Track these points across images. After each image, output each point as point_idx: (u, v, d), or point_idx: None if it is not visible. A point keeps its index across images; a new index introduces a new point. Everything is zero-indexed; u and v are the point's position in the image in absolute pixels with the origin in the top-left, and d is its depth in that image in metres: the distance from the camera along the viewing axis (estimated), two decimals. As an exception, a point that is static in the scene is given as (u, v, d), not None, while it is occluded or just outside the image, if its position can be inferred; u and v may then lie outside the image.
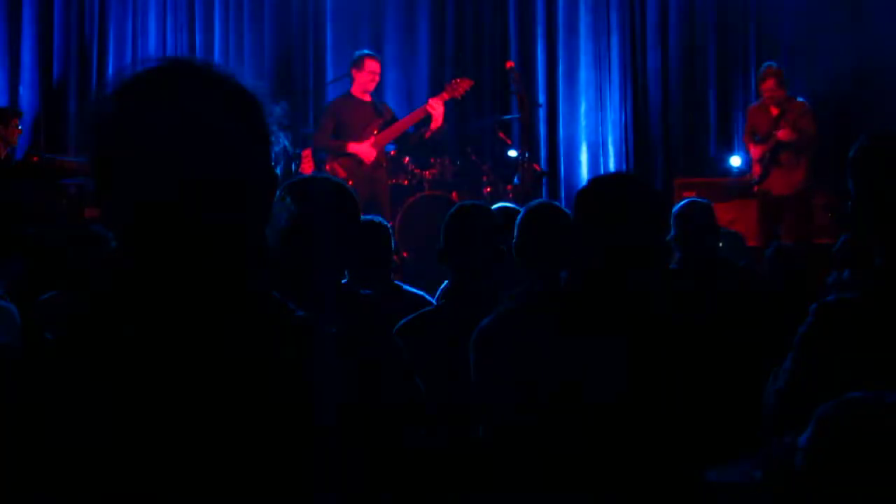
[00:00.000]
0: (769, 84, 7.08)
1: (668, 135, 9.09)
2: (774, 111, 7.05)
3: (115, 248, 1.10)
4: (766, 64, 7.66)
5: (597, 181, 2.13)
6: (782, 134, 6.92)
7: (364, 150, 6.68)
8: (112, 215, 1.09)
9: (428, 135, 6.92)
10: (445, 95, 6.86)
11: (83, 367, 1.04)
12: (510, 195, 7.29)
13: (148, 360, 1.04)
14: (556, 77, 9.12)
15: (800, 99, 7.14)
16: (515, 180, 7.38)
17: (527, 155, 6.94)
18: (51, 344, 1.06)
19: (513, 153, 7.53)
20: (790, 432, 1.09)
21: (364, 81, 6.75)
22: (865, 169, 1.87)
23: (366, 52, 6.94)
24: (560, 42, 9.13)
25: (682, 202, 3.90)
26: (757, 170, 7.13)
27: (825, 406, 1.01)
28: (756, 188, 7.18)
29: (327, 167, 6.78)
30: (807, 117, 7.02)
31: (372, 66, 6.75)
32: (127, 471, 1.01)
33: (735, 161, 8.38)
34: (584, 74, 9.12)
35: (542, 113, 8.98)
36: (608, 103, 9.12)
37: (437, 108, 6.72)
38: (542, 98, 8.92)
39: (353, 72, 6.80)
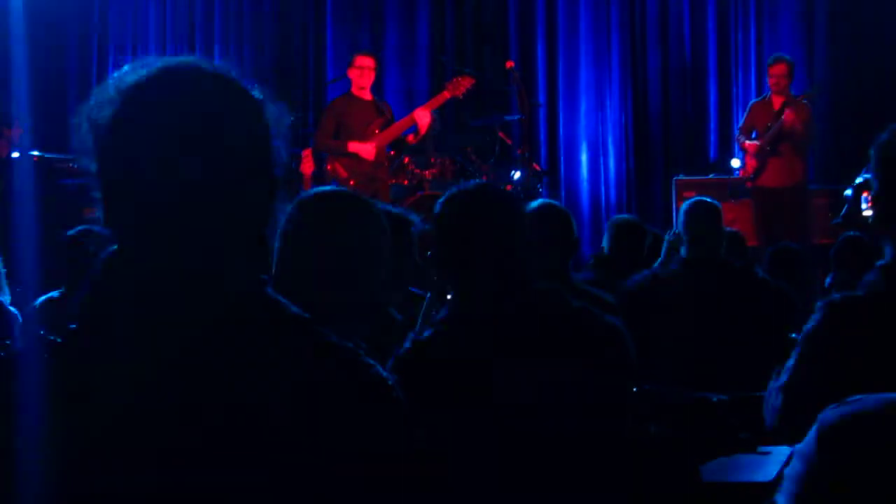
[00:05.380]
0: (780, 69, 6.95)
1: (668, 135, 9.08)
2: (777, 105, 6.95)
3: (116, 249, 1.09)
4: (778, 53, 7.61)
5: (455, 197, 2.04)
6: (787, 115, 6.77)
7: (365, 149, 6.67)
8: (113, 216, 1.09)
9: (414, 142, 6.94)
10: (444, 97, 6.86)
11: (83, 369, 1.03)
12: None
13: (147, 363, 1.03)
14: (556, 77, 9.12)
15: (804, 100, 7.07)
16: (516, 178, 7.38)
17: (527, 155, 6.95)
18: (51, 345, 1.06)
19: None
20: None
21: (357, 79, 6.74)
22: (891, 162, 1.84)
23: (362, 49, 6.94)
24: (560, 41, 9.13)
25: (689, 201, 3.90)
26: (752, 164, 7.04)
27: (828, 411, 0.98)
28: (750, 184, 7.11)
29: (328, 167, 6.77)
30: (808, 112, 6.92)
31: (361, 61, 6.74)
32: (121, 475, 1.00)
33: (735, 163, 8.36)
34: (584, 74, 9.12)
35: (542, 113, 8.98)
36: (608, 103, 9.12)
37: (423, 118, 6.73)
38: (542, 98, 8.92)
39: (348, 71, 6.82)
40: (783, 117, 6.81)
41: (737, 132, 7.38)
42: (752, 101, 7.58)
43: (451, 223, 1.97)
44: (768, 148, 6.92)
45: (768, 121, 6.98)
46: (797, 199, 6.95)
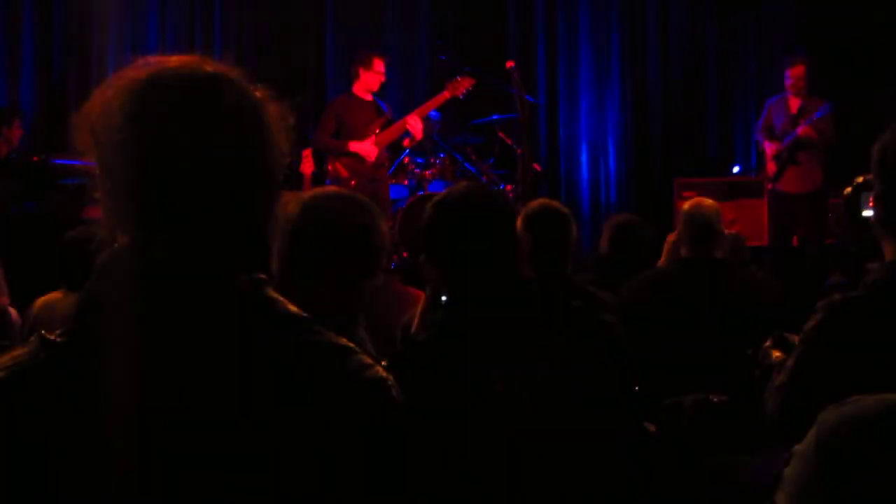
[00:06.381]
0: (798, 70, 6.90)
1: (668, 135, 9.08)
2: (794, 107, 6.93)
3: (116, 249, 1.09)
4: (796, 53, 7.60)
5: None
6: (802, 130, 6.75)
7: (366, 149, 6.67)
8: (113, 216, 1.09)
9: (410, 146, 6.94)
10: (444, 97, 6.85)
11: (83, 370, 1.03)
12: (510, 195, 7.29)
13: (145, 363, 1.04)
14: (557, 77, 9.12)
15: (821, 100, 7.03)
16: (516, 178, 7.38)
17: (526, 155, 6.95)
18: (50, 345, 1.06)
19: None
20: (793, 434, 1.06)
21: (370, 81, 6.72)
22: (892, 162, 1.84)
23: (373, 50, 6.90)
24: (560, 41, 9.13)
25: (689, 201, 3.90)
26: (772, 167, 7.02)
27: (827, 411, 0.98)
28: (770, 186, 7.09)
29: (329, 167, 6.77)
30: (826, 118, 6.91)
31: (380, 65, 6.72)
32: (116, 479, 1.01)
33: (735, 169, 8.37)
34: (584, 74, 9.12)
35: (542, 113, 8.97)
36: (608, 103, 9.12)
37: (415, 124, 6.72)
38: (542, 98, 8.91)
39: (360, 70, 6.75)
40: (798, 131, 6.79)
41: (755, 131, 7.36)
42: (770, 100, 7.53)
43: (441, 225, 1.97)
44: (785, 156, 6.90)
45: (785, 122, 6.95)
46: (817, 205, 6.92)
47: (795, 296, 4.02)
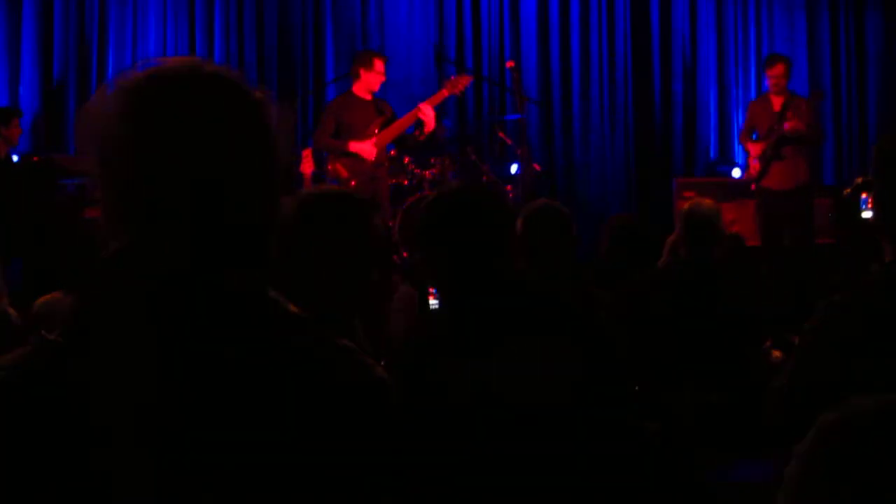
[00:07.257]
0: (778, 69, 6.91)
1: (668, 135, 9.08)
2: (777, 105, 6.92)
3: (116, 249, 1.09)
4: (774, 52, 7.62)
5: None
6: (789, 125, 6.73)
7: (366, 148, 6.66)
8: (113, 216, 1.09)
9: (422, 137, 6.92)
10: (442, 95, 6.85)
11: (83, 370, 1.03)
12: (510, 195, 7.30)
13: (146, 363, 1.03)
14: (556, 77, 9.12)
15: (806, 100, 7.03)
16: (516, 179, 7.38)
17: (526, 155, 6.95)
18: (49, 345, 1.06)
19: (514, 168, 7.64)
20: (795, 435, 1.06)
21: (371, 81, 6.71)
22: (892, 162, 1.84)
23: (373, 50, 6.89)
24: (559, 41, 9.13)
25: (689, 202, 3.90)
26: (756, 166, 7.01)
27: (828, 411, 0.98)
28: (753, 186, 7.08)
29: (329, 167, 6.77)
30: (812, 113, 6.89)
31: (380, 65, 6.72)
32: (124, 480, 1.01)
33: (735, 172, 8.36)
34: (584, 74, 9.12)
35: (541, 112, 8.97)
36: (608, 103, 9.12)
37: (427, 112, 6.70)
38: (541, 98, 8.91)
39: (361, 70, 6.74)
40: (784, 126, 6.77)
41: (738, 134, 7.33)
42: (751, 100, 7.53)
43: (436, 223, 1.97)
44: (770, 152, 6.88)
45: (769, 121, 6.94)
46: (801, 202, 6.90)
47: (795, 296, 4.02)
